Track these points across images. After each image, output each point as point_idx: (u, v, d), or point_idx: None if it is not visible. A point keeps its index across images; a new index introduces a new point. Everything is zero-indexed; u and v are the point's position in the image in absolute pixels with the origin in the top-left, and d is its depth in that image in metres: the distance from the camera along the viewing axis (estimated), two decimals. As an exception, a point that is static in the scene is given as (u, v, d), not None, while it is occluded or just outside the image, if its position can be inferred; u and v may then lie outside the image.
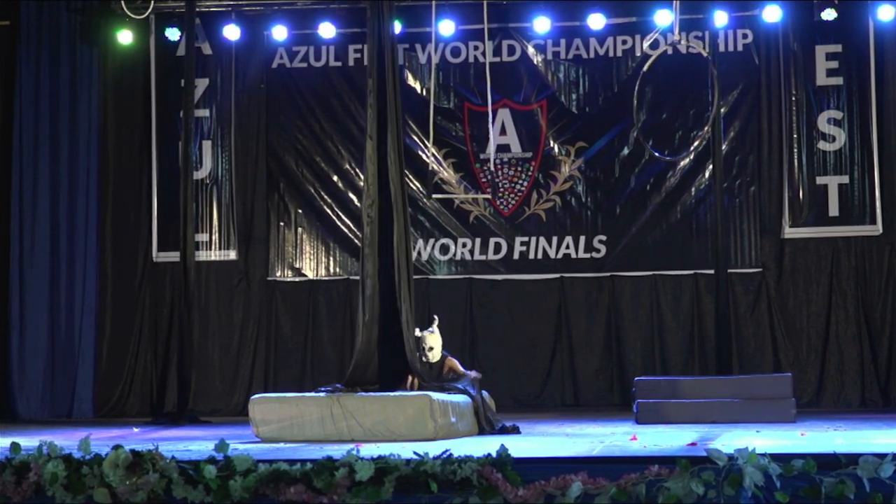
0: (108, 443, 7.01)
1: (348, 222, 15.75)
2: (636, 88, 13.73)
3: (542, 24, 15.39)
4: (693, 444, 8.85)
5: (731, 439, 9.28)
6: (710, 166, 15.11)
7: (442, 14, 15.13)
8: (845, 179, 15.04)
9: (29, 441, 7.42)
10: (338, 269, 15.85)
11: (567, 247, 15.54)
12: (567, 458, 7.25)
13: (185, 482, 6.51)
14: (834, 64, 15.16)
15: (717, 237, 14.77)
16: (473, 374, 11.66)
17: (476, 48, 15.75)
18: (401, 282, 11.12)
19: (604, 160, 15.60)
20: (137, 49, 15.87)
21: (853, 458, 6.11)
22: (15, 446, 6.93)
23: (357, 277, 15.13)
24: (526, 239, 15.61)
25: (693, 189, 15.41)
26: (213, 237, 15.85)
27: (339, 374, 14.98)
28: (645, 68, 13.92)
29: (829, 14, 14.73)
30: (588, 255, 15.51)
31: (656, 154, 14.74)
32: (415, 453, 6.46)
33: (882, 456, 6.09)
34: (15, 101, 15.78)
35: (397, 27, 13.42)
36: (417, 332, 11.38)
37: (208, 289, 15.88)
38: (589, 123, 15.66)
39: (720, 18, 15.00)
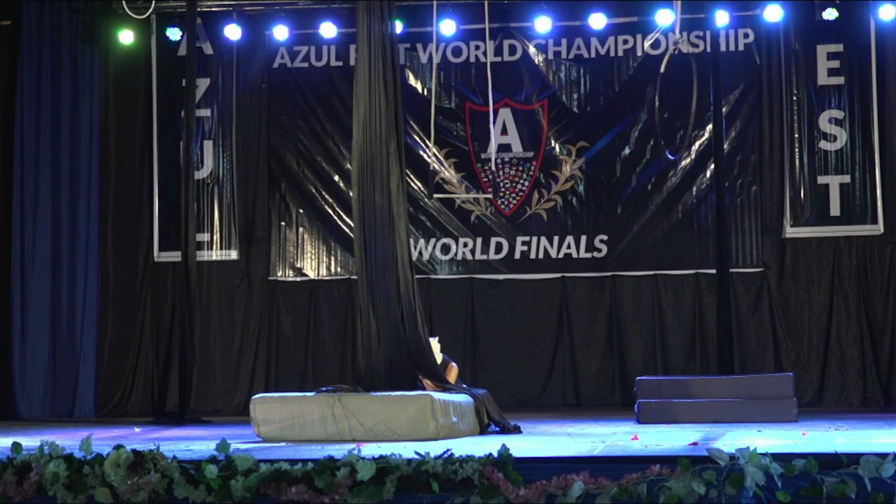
0: (110, 443, 7.01)
1: (349, 222, 15.74)
2: (657, 90, 13.63)
3: (543, 24, 15.38)
4: (695, 443, 8.85)
5: (732, 439, 9.28)
6: (712, 166, 15.10)
7: (443, 14, 15.13)
8: (846, 179, 15.04)
9: (30, 441, 7.42)
10: (339, 269, 15.85)
11: (568, 246, 15.54)
12: (568, 458, 7.25)
13: (186, 482, 6.51)
14: (835, 63, 15.16)
15: (719, 237, 14.77)
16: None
17: (477, 48, 15.75)
18: (407, 282, 11.14)
19: (605, 160, 15.61)
20: (139, 49, 15.88)
21: (854, 458, 6.12)
22: (16, 446, 6.94)
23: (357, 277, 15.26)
24: (527, 238, 15.61)
25: (694, 189, 15.41)
26: (215, 237, 15.86)
27: (341, 373, 15.04)
28: (662, 69, 13.98)
29: (830, 13, 14.74)
30: (589, 255, 15.51)
31: (669, 155, 14.90)
32: (416, 453, 6.46)
33: (883, 455, 6.09)
34: (16, 100, 15.76)
35: (398, 27, 13.41)
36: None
37: (209, 288, 15.88)
38: (590, 123, 15.66)
39: (721, 18, 14.98)
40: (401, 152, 11.35)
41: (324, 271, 15.90)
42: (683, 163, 15.40)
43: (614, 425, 11.62)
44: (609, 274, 15.51)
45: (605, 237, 15.49)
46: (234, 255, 15.89)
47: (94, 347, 15.69)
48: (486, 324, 15.71)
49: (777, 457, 6.14)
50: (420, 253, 15.57)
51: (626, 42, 15.64)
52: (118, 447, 6.68)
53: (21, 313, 15.53)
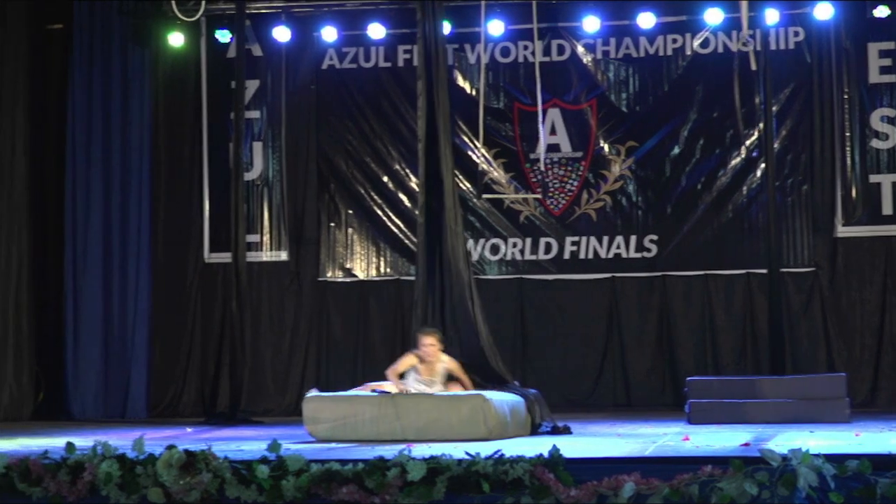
0: (162, 443, 7.06)
1: (399, 223, 15.77)
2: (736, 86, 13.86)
3: (591, 24, 15.35)
4: (746, 444, 8.82)
5: (784, 440, 9.23)
6: (762, 165, 15.00)
7: (491, 14, 15.11)
8: (899, 177, 14.95)
9: (83, 441, 7.47)
10: (388, 270, 15.87)
11: (618, 246, 15.49)
12: (619, 459, 7.24)
13: (238, 482, 6.54)
14: (887, 61, 15.05)
15: (770, 236, 14.63)
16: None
17: (525, 48, 15.72)
18: (458, 283, 11.18)
19: (654, 159, 15.55)
20: (188, 51, 15.96)
21: (909, 459, 6.08)
22: (70, 446, 7.00)
23: (407, 278, 15.30)
24: (577, 239, 15.58)
25: (745, 188, 15.32)
26: (265, 238, 15.91)
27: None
28: (753, 67, 14.19)
29: (881, 11, 14.63)
30: (639, 255, 15.46)
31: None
32: (466, 453, 6.47)
33: (938, 456, 6.05)
34: (68, 103, 15.90)
35: (447, 27, 13.42)
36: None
37: (260, 289, 15.93)
38: (639, 123, 15.61)
39: (771, 16, 14.88)
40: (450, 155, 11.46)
41: (373, 272, 15.92)
42: (733, 162, 15.32)
43: (665, 426, 11.58)
44: (659, 274, 15.45)
45: (654, 237, 15.43)
46: (283, 255, 15.94)
47: (146, 348, 15.78)
48: (536, 324, 15.68)
49: (830, 458, 6.11)
50: (469, 253, 15.56)
51: (675, 41, 15.57)
52: (170, 447, 6.73)
53: (73, 315, 15.66)
